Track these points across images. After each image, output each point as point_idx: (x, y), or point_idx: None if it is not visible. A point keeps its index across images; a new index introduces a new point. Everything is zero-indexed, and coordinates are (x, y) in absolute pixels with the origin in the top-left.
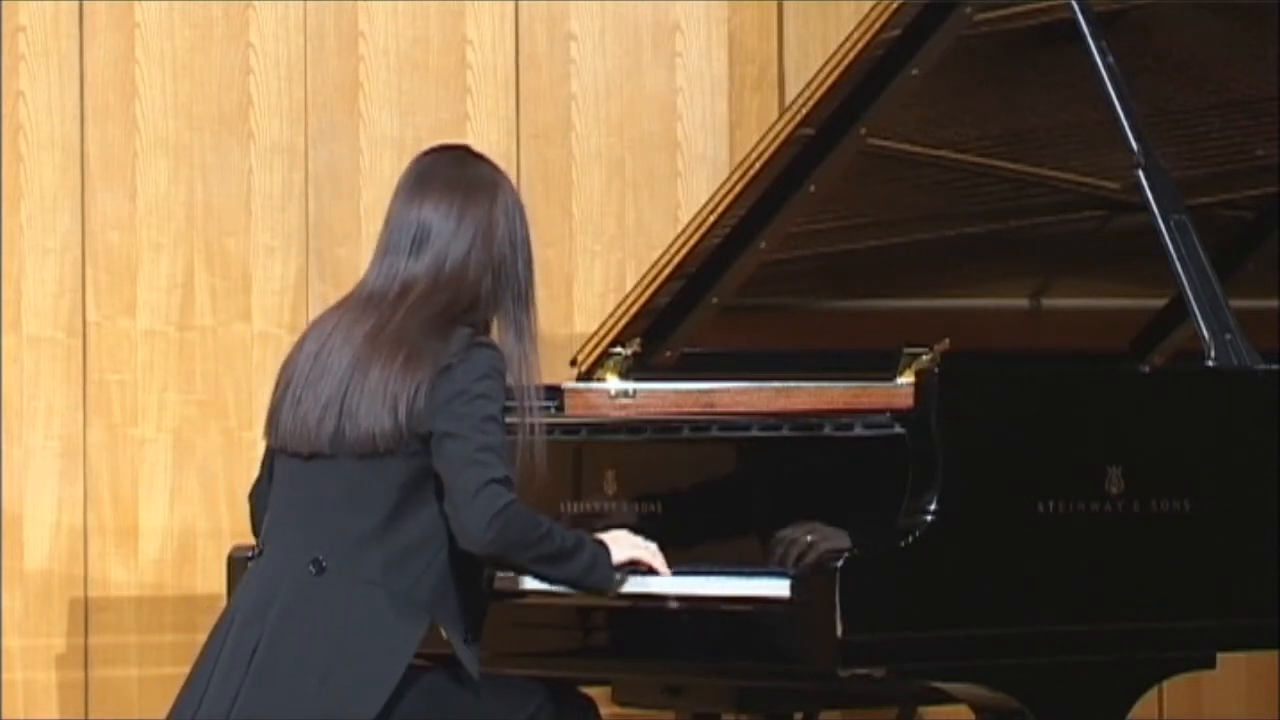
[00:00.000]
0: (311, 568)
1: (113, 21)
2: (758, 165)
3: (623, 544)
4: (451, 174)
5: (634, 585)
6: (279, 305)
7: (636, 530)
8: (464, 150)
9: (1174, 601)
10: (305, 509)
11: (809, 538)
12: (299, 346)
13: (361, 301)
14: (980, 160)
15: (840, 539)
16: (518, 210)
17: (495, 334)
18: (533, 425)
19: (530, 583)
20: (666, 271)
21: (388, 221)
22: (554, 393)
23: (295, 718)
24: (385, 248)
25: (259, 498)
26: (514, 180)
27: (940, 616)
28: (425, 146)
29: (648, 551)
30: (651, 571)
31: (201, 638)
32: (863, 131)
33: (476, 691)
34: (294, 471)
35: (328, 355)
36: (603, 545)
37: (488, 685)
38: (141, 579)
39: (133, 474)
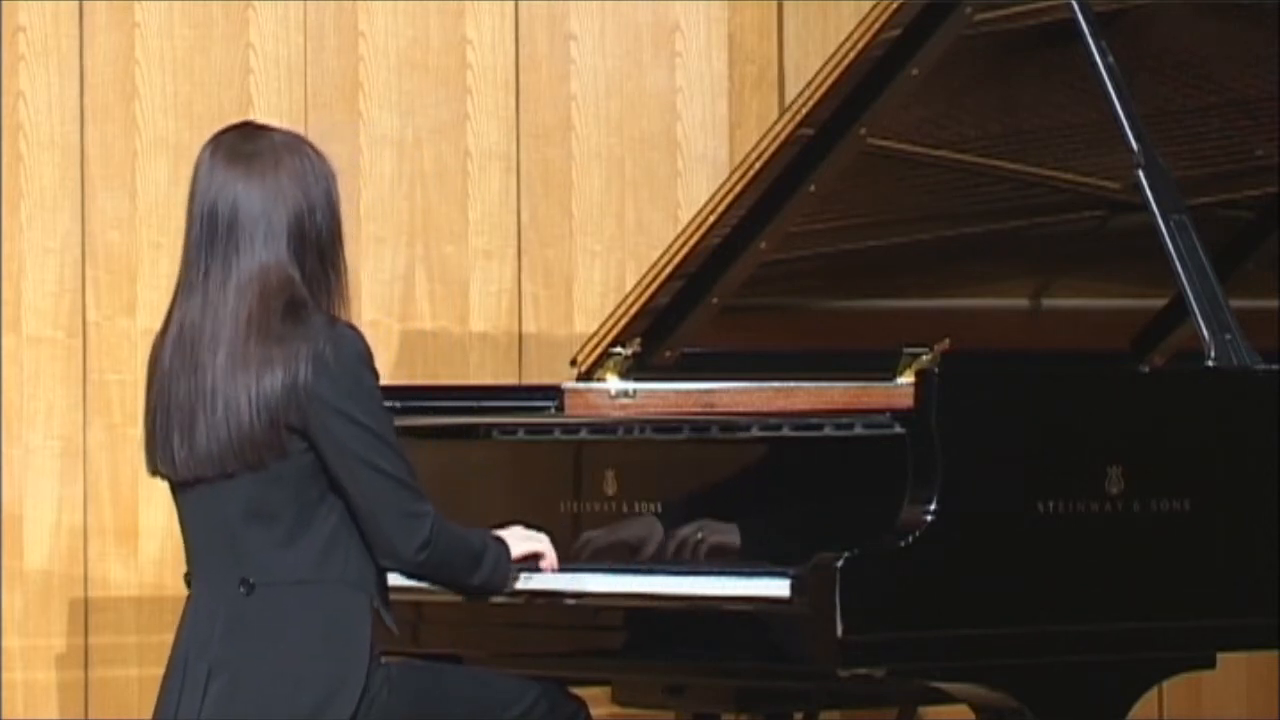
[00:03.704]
0: (242, 589)
1: (113, 21)
2: (758, 165)
3: (517, 538)
4: (234, 151)
5: (633, 585)
6: None
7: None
8: (246, 126)
9: (1174, 601)
10: (215, 534)
11: (699, 534)
12: (152, 372)
13: (185, 307)
14: (980, 160)
15: (729, 534)
16: (308, 169)
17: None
18: None
19: (529, 583)
20: (666, 271)
21: (186, 215)
22: (554, 393)
23: None
24: (186, 244)
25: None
26: (513, 179)
27: (940, 616)
28: (425, 146)
29: (540, 544)
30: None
31: None
32: (863, 131)
33: (469, 688)
34: (189, 500)
35: (176, 378)
36: (501, 541)
37: (480, 682)
38: (141, 579)
39: (133, 474)
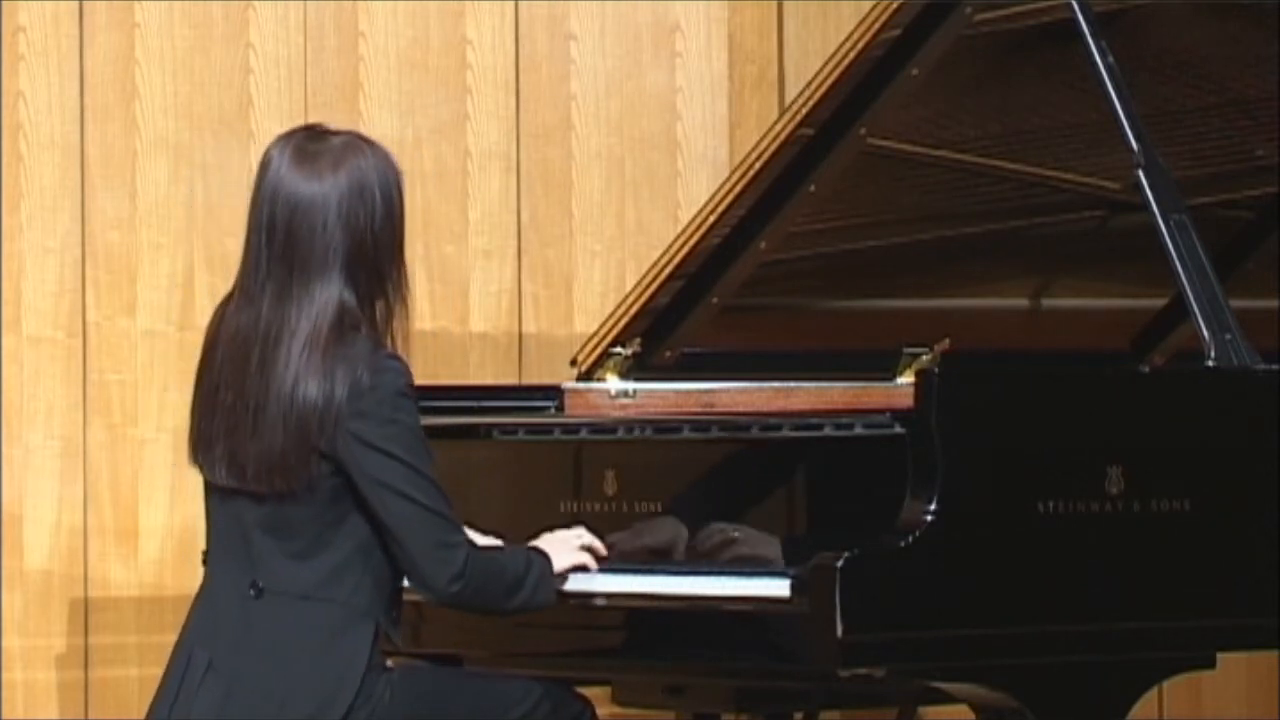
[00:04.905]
0: (251, 591)
1: (113, 21)
2: (758, 165)
3: (559, 548)
4: (298, 154)
5: (633, 585)
6: None
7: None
8: (313, 129)
9: (1174, 601)
10: (235, 534)
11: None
12: (205, 363)
13: (241, 316)
14: (980, 160)
15: (769, 547)
16: (373, 175)
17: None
18: None
19: None
20: (666, 271)
21: (249, 215)
22: (554, 393)
23: None
24: (248, 247)
25: None
26: (513, 179)
27: (940, 616)
28: (425, 146)
29: (585, 553)
30: (657, 571)
31: None
32: (863, 131)
33: (472, 689)
34: (215, 497)
35: (226, 387)
36: (545, 556)
37: (484, 683)
38: (141, 579)
39: (133, 474)
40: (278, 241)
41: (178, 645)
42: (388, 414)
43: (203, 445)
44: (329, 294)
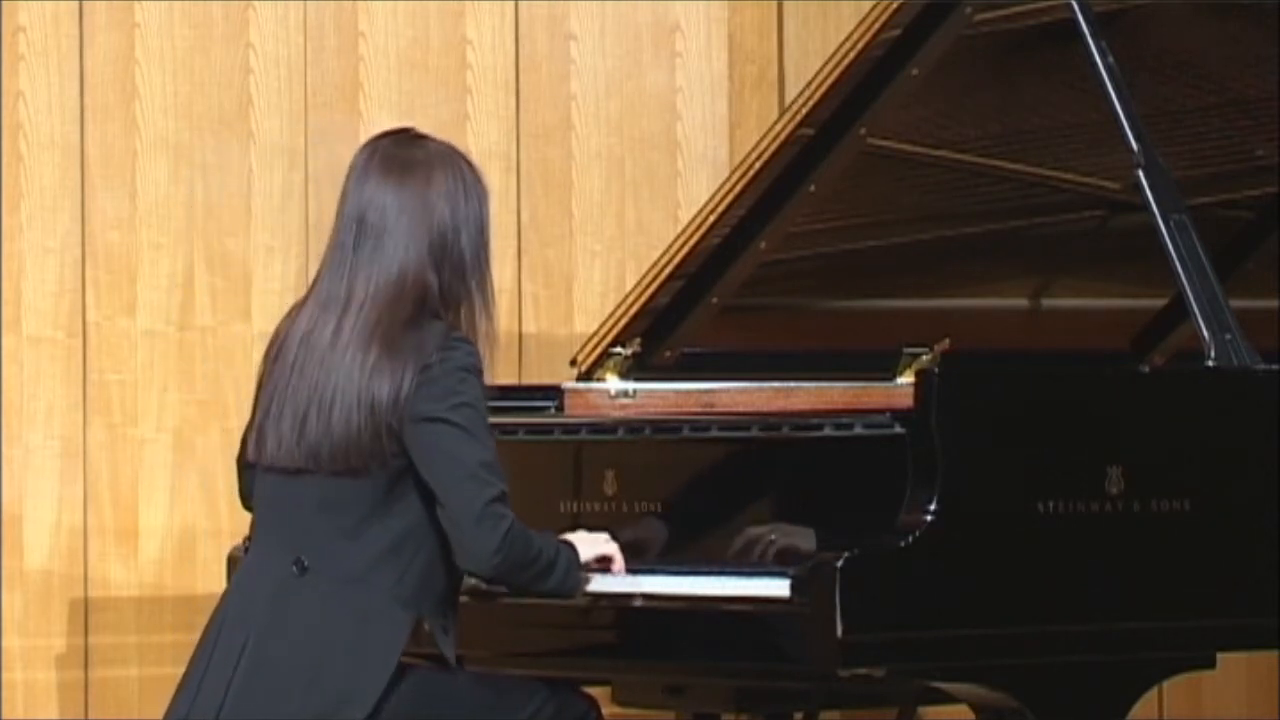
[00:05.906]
0: (294, 568)
1: (113, 21)
2: (758, 165)
3: (585, 543)
4: (389, 160)
5: (634, 585)
6: (279, 305)
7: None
8: (403, 133)
9: (1174, 601)
10: (285, 515)
11: (772, 535)
12: (274, 359)
13: (320, 305)
14: (980, 160)
15: (804, 539)
16: (461, 187)
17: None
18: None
19: None
20: (666, 271)
21: (336, 215)
22: (554, 393)
23: (284, 718)
24: (332, 244)
25: (245, 482)
26: (513, 179)
27: (940, 616)
28: None
29: (608, 548)
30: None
31: None
32: (863, 131)
33: (477, 691)
34: (276, 484)
35: (300, 372)
36: (571, 546)
37: (488, 684)
38: (141, 579)
39: (133, 474)
40: (366, 245)
41: (209, 627)
42: (452, 385)
43: (271, 428)
44: (415, 284)
